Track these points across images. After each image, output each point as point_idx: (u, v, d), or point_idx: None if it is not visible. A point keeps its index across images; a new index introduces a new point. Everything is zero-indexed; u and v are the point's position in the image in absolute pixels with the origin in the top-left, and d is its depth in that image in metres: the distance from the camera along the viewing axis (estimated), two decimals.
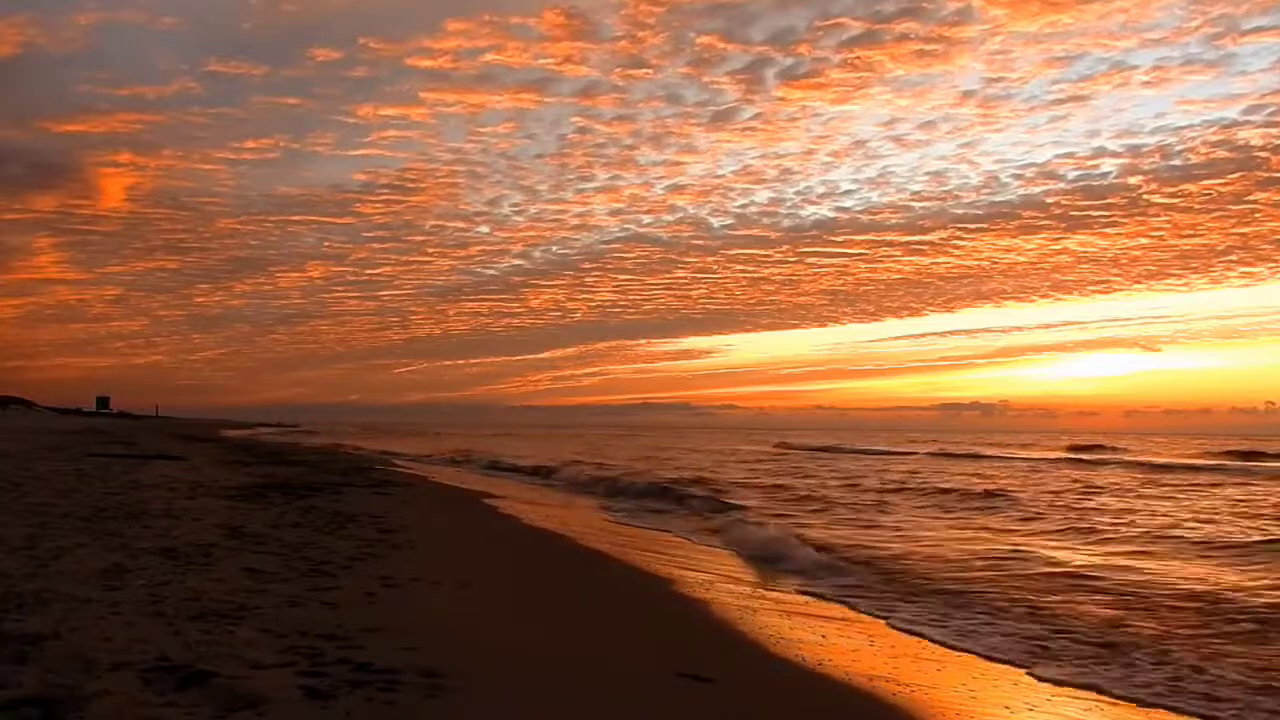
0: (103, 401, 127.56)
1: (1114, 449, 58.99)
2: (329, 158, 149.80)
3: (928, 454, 51.74)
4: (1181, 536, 15.07)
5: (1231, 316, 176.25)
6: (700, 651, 6.87)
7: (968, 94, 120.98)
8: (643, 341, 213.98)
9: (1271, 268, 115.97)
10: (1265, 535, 15.17)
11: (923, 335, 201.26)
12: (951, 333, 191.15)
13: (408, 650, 5.67)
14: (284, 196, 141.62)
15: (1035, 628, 8.35)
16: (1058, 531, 15.98)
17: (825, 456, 50.36)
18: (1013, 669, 7.08)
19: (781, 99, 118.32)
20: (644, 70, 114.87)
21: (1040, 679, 6.79)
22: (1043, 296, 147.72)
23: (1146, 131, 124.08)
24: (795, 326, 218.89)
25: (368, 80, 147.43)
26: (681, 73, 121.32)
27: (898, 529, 16.20)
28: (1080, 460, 44.84)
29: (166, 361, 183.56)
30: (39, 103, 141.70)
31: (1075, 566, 11.79)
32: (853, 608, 9.29)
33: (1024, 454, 53.02)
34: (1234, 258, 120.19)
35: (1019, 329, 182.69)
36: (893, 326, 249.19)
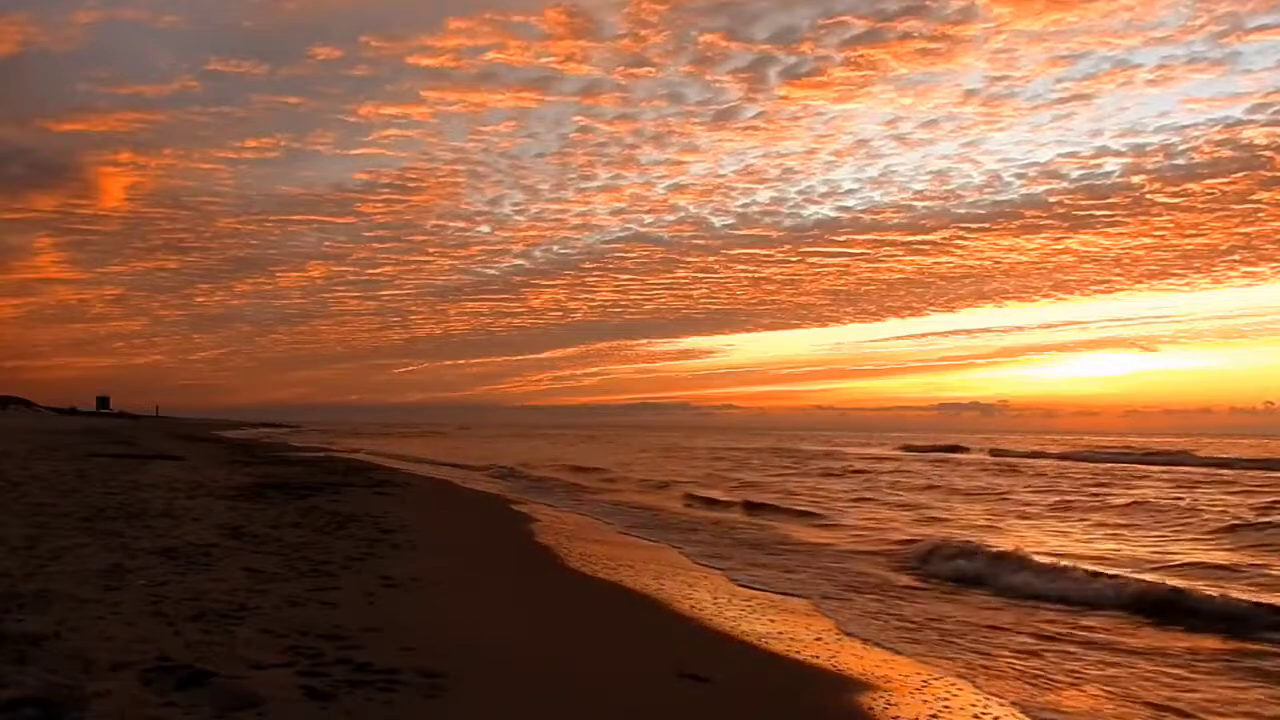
0: (103, 401, 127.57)
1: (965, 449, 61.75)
2: (330, 157, 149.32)
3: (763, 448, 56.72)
4: None
5: (1233, 316, 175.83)
6: (699, 652, 6.87)
7: (971, 93, 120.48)
8: (643, 341, 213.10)
9: (1274, 267, 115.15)
10: None
11: (924, 335, 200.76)
12: (953, 332, 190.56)
13: (408, 650, 5.68)
14: (285, 196, 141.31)
15: None
16: None
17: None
18: None
19: (784, 98, 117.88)
20: (646, 69, 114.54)
21: None
22: (1044, 296, 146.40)
23: (1150, 130, 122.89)
24: (796, 326, 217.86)
25: (369, 79, 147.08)
26: (683, 71, 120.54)
27: None
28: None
29: (166, 361, 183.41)
30: (39, 102, 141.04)
31: None
32: None
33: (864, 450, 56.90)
34: (1237, 257, 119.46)
35: (1020, 329, 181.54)
36: (894, 326, 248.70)
